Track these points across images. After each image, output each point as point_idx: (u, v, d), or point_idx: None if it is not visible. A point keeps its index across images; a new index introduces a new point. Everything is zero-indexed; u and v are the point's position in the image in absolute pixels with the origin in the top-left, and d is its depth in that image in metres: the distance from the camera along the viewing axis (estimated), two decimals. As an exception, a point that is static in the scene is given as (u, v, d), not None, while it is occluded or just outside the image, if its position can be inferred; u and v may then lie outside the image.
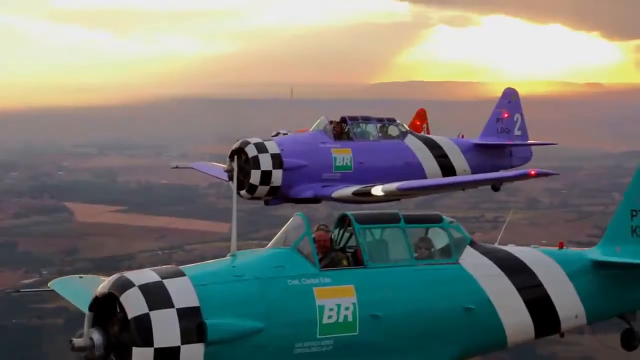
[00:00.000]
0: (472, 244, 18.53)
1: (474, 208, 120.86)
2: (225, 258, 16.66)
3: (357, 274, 16.95)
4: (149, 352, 14.85)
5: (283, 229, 17.25)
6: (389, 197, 30.71)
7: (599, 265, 19.97)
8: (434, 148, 35.35)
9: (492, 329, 18.35)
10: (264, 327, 15.74)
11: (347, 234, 17.87)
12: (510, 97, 39.35)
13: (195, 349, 15.16)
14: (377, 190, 30.02)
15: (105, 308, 15.43)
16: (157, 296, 15.14)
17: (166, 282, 15.39)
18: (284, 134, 34.22)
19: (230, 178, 30.83)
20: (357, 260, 17.25)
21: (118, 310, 15.20)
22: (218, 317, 15.36)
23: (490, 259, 18.59)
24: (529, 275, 18.96)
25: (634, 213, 20.70)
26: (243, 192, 32.08)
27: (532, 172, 28.63)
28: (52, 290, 22.21)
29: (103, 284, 15.60)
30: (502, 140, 38.28)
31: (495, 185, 35.08)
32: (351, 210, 18.05)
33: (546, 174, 29.47)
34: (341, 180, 32.51)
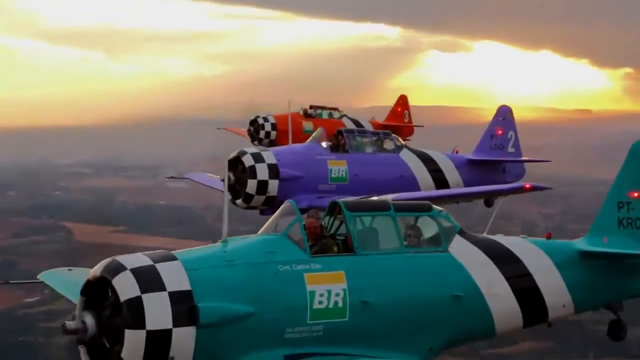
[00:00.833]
0: (462, 232, 18.73)
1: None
2: (217, 244, 16.78)
3: (348, 260, 17.10)
4: (141, 334, 14.96)
5: (274, 215, 17.41)
6: None
7: (586, 255, 20.13)
8: (428, 162, 35.62)
9: (481, 317, 18.49)
10: (255, 311, 15.86)
11: (337, 222, 18.03)
12: (504, 115, 39.70)
13: (187, 332, 15.27)
14: None
15: (98, 292, 15.54)
16: (149, 279, 15.25)
17: (158, 265, 15.52)
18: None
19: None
20: (347, 247, 17.40)
21: (110, 293, 15.32)
22: (209, 301, 15.47)
23: (479, 248, 18.76)
24: (518, 264, 19.12)
25: (621, 205, 20.84)
26: (239, 201, 32.37)
27: (527, 186, 29.18)
28: (42, 282, 22.35)
29: (95, 268, 15.72)
30: (496, 157, 38.58)
31: (489, 200, 35.18)
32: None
33: (541, 188, 30.11)
34: (336, 191, 32.83)
